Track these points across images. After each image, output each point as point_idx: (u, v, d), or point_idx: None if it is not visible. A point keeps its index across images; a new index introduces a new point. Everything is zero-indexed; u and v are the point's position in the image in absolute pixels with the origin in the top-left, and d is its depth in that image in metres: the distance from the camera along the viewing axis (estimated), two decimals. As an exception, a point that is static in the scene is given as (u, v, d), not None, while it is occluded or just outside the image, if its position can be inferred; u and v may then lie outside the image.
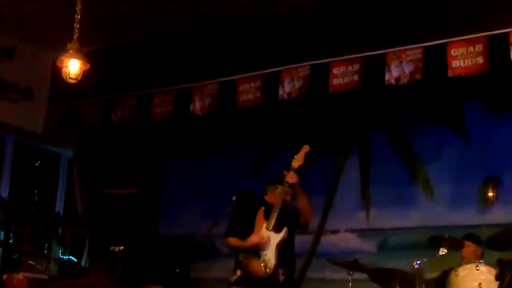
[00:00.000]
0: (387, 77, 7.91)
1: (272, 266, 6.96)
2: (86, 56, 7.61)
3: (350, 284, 7.89)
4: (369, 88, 8.27)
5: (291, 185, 7.24)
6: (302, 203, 7.28)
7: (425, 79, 7.78)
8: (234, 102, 8.99)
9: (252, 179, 10.57)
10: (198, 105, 9.26)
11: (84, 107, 10.31)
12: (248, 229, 7.24)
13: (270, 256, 6.99)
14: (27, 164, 11.19)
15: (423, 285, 7.32)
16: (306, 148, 7.35)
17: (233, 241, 7.28)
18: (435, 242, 7.59)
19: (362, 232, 10.05)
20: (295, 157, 7.32)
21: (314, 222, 10.28)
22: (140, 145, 10.92)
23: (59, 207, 11.31)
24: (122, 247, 9.45)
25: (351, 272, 7.92)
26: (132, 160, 10.28)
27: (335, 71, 8.32)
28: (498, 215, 9.05)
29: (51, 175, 11.44)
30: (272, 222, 7.08)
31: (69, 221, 10.87)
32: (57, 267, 10.37)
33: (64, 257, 10.53)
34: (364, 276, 8.02)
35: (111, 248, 9.46)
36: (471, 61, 7.45)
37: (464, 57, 7.49)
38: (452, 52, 7.57)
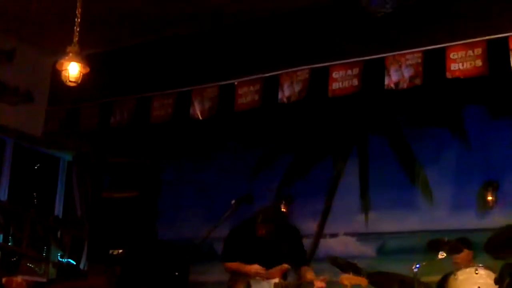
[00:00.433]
0: (386, 81, 7.92)
1: None
2: (85, 59, 7.61)
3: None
4: (369, 92, 8.28)
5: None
6: None
7: (425, 83, 7.79)
8: (233, 105, 9.00)
9: (252, 183, 10.61)
10: (197, 108, 9.26)
11: (84, 110, 10.31)
12: (244, 256, 7.28)
13: None
14: (26, 167, 11.19)
15: (422, 289, 7.34)
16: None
17: (233, 265, 7.32)
18: (434, 246, 7.59)
19: (361, 236, 10.05)
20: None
21: (313, 226, 10.32)
22: (139, 149, 10.91)
23: (58, 210, 11.31)
24: (121, 250, 9.44)
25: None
26: (131, 163, 10.26)
27: (334, 75, 8.33)
28: (497, 219, 9.05)
29: (50, 178, 11.44)
30: None
31: (68, 224, 10.86)
32: (56, 270, 10.37)
33: (63, 260, 10.53)
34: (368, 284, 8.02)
35: (110, 251, 9.45)
36: (470, 64, 7.47)
37: (463, 60, 7.51)
38: (451, 56, 7.59)
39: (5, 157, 10.63)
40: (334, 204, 10.30)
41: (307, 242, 10.08)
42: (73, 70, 7.51)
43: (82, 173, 11.13)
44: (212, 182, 11.17)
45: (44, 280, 10.01)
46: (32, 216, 10.16)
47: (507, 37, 7.32)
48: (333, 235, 10.26)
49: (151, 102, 9.67)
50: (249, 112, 8.98)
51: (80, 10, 7.67)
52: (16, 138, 10.66)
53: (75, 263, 10.54)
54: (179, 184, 11.39)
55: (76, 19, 7.62)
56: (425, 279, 7.63)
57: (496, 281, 7.06)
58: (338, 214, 10.26)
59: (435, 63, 7.73)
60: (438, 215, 9.51)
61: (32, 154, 11.22)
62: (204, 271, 10.28)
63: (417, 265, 7.22)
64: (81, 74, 7.55)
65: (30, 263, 10.00)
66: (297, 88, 8.55)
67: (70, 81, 7.56)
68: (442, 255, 7.30)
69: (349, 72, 8.23)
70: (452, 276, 7.44)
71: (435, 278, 7.93)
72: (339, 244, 10.16)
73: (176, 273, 10.05)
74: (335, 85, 8.30)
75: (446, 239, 7.63)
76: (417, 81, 7.79)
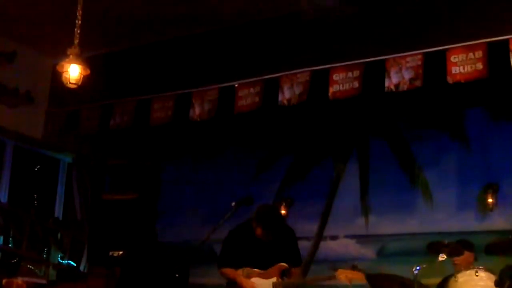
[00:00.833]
0: (387, 83, 7.92)
1: None
2: (86, 61, 7.61)
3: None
4: (369, 94, 8.28)
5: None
6: None
7: (425, 86, 7.79)
8: (233, 107, 9.00)
9: (252, 185, 10.60)
10: (197, 110, 9.27)
11: (84, 112, 10.32)
12: (241, 257, 7.29)
13: None
14: (27, 169, 11.19)
15: (422, 291, 7.32)
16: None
17: (229, 272, 7.33)
18: (434, 248, 7.58)
19: (361, 238, 10.05)
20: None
21: (314, 228, 10.32)
22: (139, 150, 10.91)
23: (58, 212, 11.32)
24: (121, 252, 9.44)
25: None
26: (131, 165, 10.26)
27: (335, 77, 8.33)
28: (497, 222, 9.05)
29: (50, 180, 11.45)
30: None
31: (68, 226, 10.86)
32: (56, 272, 10.36)
33: (63, 261, 10.52)
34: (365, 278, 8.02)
35: (110, 253, 9.45)
36: (471, 67, 7.46)
37: (463, 63, 7.51)
38: (452, 59, 7.59)
39: (5, 159, 10.63)
40: (334, 206, 10.30)
41: (307, 244, 10.13)
42: (73, 72, 7.51)
43: (82, 175, 11.14)
44: (212, 184, 11.17)
45: (44, 282, 10.01)
46: (32, 218, 10.15)
47: (507, 40, 7.32)
48: (333, 237, 10.26)
49: (151, 104, 9.67)
50: (249, 114, 8.98)
51: (80, 12, 7.66)
52: (16, 140, 10.67)
53: (75, 265, 10.54)
54: (179, 186, 11.39)
55: (76, 21, 7.61)
56: (425, 281, 7.60)
57: (497, 284, 7.03)
58: (338, 216, 10.26)
59: (435, 65, 7.73)
60: (438, 217, 9.51)
61: (32, 156, 11.23)
62: (204, 273, 10.26)
63: (417, 267, 7.19)
64: (82, 76, 7.55)
65: (30, 265, 10.00)
66: (297, 90, 8.55)
67: (70, 83, 7.55)
68: (442, 257, 7.28)
69: (350, 74, 8.23)
70: (452, 278, 7.42)
71: (436, 280, 7.91)
72: (339, 246, 10.16)
73: (176, 275, 10.05)
74: (335, 88, 8.30)
75: (446, 241, 7.62)
76: (418, 83, 7.79)
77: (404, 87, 7.86)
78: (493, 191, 9.16)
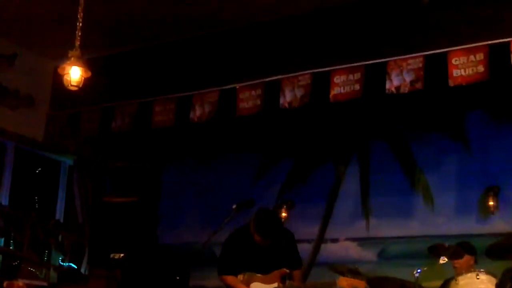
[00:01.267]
0: (388, 86, 7.92)
1: None
2: (87, 63, 7.61)
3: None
4: (370, 97, 8.27)
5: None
6: None
7: (426, 88, 7.79)
8: (235, 110, 9.00)
9: (253, 187, 10.61)
10: (198, 113, 9.27)
11: (85, 114, 10.32)
12: (241, 263, 7.29)
13: None
14: (28, 171, 11.18)
15: (423, 294, 7.32)
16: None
17: (230, 280, 7.32)
18: (435, 251, 7.58)
19: (362, 241, 10.04)
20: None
21: (314, 231, 10.31)
22: (140, 153, 10.92)
23: (59, 214, 11.30)
24: (121, 255, 9.43)
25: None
26: (132, 168, 10.26)
27: (336, 80, 8.33)
28: (498, 224, 9.04)
29: (51, 182, 11.43)
30: None
31: (69, 228, 10.85)
32: (57, 274, 10.34)
33: (64, 264, 10.51)
34: (367, 286, 8.00)
35: (111, 255, 9.44)
36: (472, 70, 7.46)
37: (464, 65, 7.51)
38: (453, 61, 7.59)
39: (6, 161, 10.62)
40: (335, 209, 10.29)
41: (308, 247, 10.13)
42: (74, 74, 7.51)
43: (83, 177, 11.13)
44: (213, 186, 11.17)
45: (45, 284, 10.01)
46: (33, 220, 10.14)
47: (508, 42, 7.33)
48: (334, 240, 10.26)
49: (152, 106, 9.67)
50: (250, 117, 8.98)
51: (81, 14, 7.67)
52: (17, 142, 10.66)
53: (76, 267, 10.52)
54: (180, 188, 11.39)
55: (77, 23, 7.62)
56: (426, 284, 7.62)
57: (498, 286, 7.04)
58: (339, 219, 10.26)
59: (436, 67, 7.73)
60: (439, 220, 9.50)
61: (33, 158, 11.22)
62: (205, 276, 10.26)
63: (418, 270, 7.19)
64: (83, 78, 7.55)
65: (31, 267, 9.99)
66: (298, 93, 8.55)
67: (71, 85, 7.55)
68: (443, 260, 7.28)
69: (351, 77, 8.23)
70: (453, 281, 7.43)
71: (436, 283, 7.93)
72: (340, 249, 10.15)
73: (177, 278, 10.05)
74: (336, 90, 8.30)
75: (447, 244, 7.62)
76: (419, 86, 7.79)
77: (405, 89, 7.85)
78: (494, 194, 9.15)
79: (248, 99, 8.91)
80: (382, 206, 9.91)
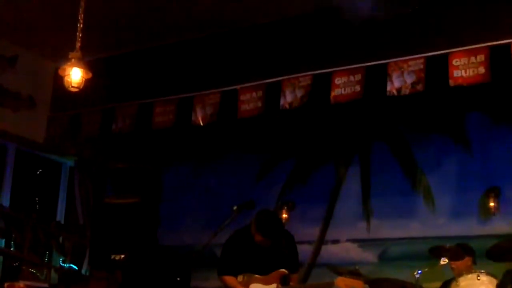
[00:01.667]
0: (388, 87, 7.92)
1: None
2: (88, 65, 7.62)
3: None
4: (371, 98, 8.28)
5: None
6: None
7: (427, 90, 7.79)
8: (236, 111, 9.00)
9: (253, 188, 10.61)
10: (199, 114, 9.27)
11: (86, 115, 10.33)
12: (241, 264, 7.29)
13: None
14: (28, 172, 11.20)
15: (424, 295, 7.33)
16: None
17: (229, 280, 7.32)
18: (436, 252, 7.58)
19: (363, 242, 10.04)
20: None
21: (315, 232, 10.31)
22: (141, 154, 10.92)
23: (60, 215, 11.32)
24: (122, 256, 9.43)
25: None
26: (133, 169, 10.26)
27: (336, 81, 8.33)
28: (499, 226, 9.04)
29: (52, 184, 11.45)
30: None
31: (70, 230, 10.86)
32: (58, 276, 10.35)
33: (65, 265, 10.51)
34: (365, 286, 8.00)
35: (112, 256, 9.45)
36: (473, 71, 7.46)
37: (465, 67, 7.51)
38: (454, 62, 7.60)
39: (7, 162, 10.64)
40: (336, 210, 10.28)
41: (308, 248, 10.13)
42: (75, 75, 7.52)
43: (84, 178, 11.14)
44: (214, 188, 11.17)
45: (46, 285, 10.02)
46: (34, 221, 10.15)
47: (509, 44, 7.33)
48: (335, 241, 10.25)
49: (153, 108, 9.68)
50: (251, 118, 8.99)
51: (82, 16, 7.68)
52: (18, 143, 10.68)
53: (77, 269, 10.53)
54: (181, 190, 11.39)
55: (78, 25, 7.63)
56: (427, 285, 7.62)
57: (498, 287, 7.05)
58: (340, 220, 10.25)
59: (437, 69, 7.73)
60: (440, 221, 9.50)
61: (34, 160, 11.23)
62: (206, 277, 10.26)
63: (419, 271, 7.21)
64: (83, 79, 7.56)
65: (32, 269, 10.00)
66: (299, 94, 8.55)
67: (72, 86, 7.57)
68: (444, 261, 7.29)
69: (351, 78, 8.24)
70: (454, 282, 7.43)
71: (437, 284, 7.92)
72: (341, 250, 10.15)
73: (178, 279, 10.05)
74: (337, 91, 8.30)
75: (447, 245, 7.62)
76: (419, 87, 7.79)
77: (406, 91, 7.85)
78: (495, 195, 9.15)
79: (249, 101, 8.92)
80: (383, 207, 9.90)
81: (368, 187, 10.13)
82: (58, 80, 8.41)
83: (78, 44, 7.54)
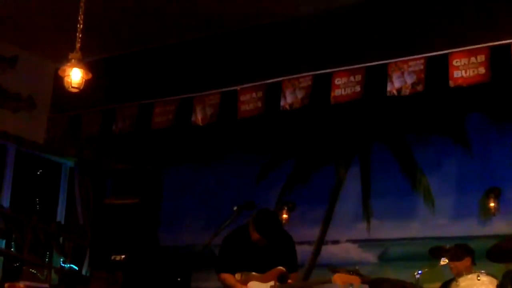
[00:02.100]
0: (389, 87, 7.92)
1: None
2: (88, 65, 7.62)
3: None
4: (371, 99, 8.28)
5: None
6: None
7: (427, 90, 7.79)
8: (236, 112, 9.00)
9: (254, 189, 10.60)
10: (199, 115, 9.28)
11: (86, 116, 10.34)
12: (238, 262, 7.29)
13: None
14: (29, 173, 11.20)
15: (424, 296, 7.32)
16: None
17: (228, 278, 7.31)
18: (436, 253, 7.58)
19: (363, 243, 10.03)
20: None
21: (315, 233, 10.31)
22: (141, 155, 10.93)
23: (60, 216, 11.31)
24: (123, 256, 9.44)
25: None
26: (133, 170, 10.26)
27: (337, 81, 8.34)
28: (499, 226, 9.04)
29: (52, 184, 11.45)
30: None
31: (70, 230, 10.86)
32: (58, 276, 10.35)
33: (65, 266, 10.52)
34: (365, 286, 8.00)
35: (112, 257, 9.45)
36: (473, 72, 7.46)
37: (466, 67, 7.51)
38: (454, 63, 7.60)
39: (7, 163, 10.63)
40: (336, 211, 10.28)
41: (309, 249, 10.13)
42: (75, 76, 7.51)
43: (84, 179, 11.14)
44: (214, 188, 11.17)
45: (47, 286, 10.00)
46: (34, 222, 10.14)
47: (510, 44, 7.33)
48: (335, 242, 10.24)
49: (153, 108, 9.68)
50: (251, 119, 8.99)
51: (82, 16, 7.68)
52: (18, 144, 10.67)
53: (77, 269, 10.54)
54: (181, 190, 11.39)
55: (78, 26, 7.63)
56: (427, 285, 7.61)
57: (499, 288, 7.05)
58: (340, 221, 10.24)
59: (437, 69, 7.73)
60: (440, 222, 9.49)
61: (34, 160, 11.23)
62: (206, 278, 10.25)
63: (419, 272, 7.20)
64: (83, 80, 7.55)
65: (32, 269, 9.98)
66: (299, 94, 8.55)
67: (72, 87, 7.56)
68: (444, 261, 7.29)
69: (352, 78, 8.24)
70: (454, 283, 7.41)
71: (437, 284, 7.92)
72: (341, 250, 10.14)
73: (178, 279, 10.06)
74: (337, 92, 8.31)
75: (447, 246, 7.62)
76: (420, 88, 7.79)
77: (406, 91, 7.86)
78: (495, 196, 9.14)
79: (249, 101, 8.92)
80: (383, 207, 9.90)
81: (368, 188, 10.13)
82: (58, 81, 8.42)
83: (78, 45, 7.54)
